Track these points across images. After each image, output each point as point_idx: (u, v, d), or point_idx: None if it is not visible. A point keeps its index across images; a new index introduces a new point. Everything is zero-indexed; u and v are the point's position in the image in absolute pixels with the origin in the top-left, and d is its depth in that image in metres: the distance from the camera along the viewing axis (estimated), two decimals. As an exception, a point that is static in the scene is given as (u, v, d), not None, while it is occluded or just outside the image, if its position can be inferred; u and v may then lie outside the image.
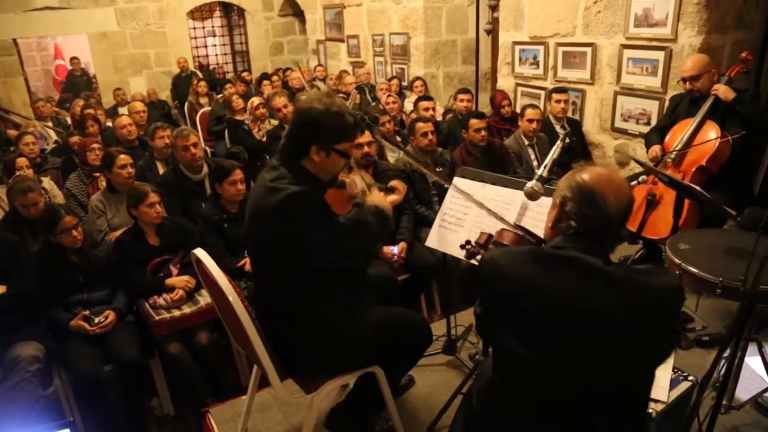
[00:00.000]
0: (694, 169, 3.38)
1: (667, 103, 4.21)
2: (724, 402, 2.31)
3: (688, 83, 3.55)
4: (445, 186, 2.74)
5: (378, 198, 2.21)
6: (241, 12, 11.22)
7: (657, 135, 3.85)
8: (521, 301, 1.47)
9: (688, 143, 3.42)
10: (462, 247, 2.12)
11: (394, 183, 2.46)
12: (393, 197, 2.41)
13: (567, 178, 1.51)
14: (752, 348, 2.35)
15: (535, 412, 1.48)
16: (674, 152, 3.42)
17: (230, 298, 1.94)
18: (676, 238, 2.48)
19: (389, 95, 6.06)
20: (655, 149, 3.68)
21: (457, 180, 2.65)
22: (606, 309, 1.39)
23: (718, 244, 2.40)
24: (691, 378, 2.21)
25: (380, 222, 2.13)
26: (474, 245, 2.07)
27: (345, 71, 7.98)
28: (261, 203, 1.95)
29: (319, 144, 1.95)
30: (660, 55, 4.37)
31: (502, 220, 2.30)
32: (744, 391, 2.50)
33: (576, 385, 1.43)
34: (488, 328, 1.64)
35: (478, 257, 2.08)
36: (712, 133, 3.36)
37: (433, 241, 2.68)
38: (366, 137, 3.56)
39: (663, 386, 2.14)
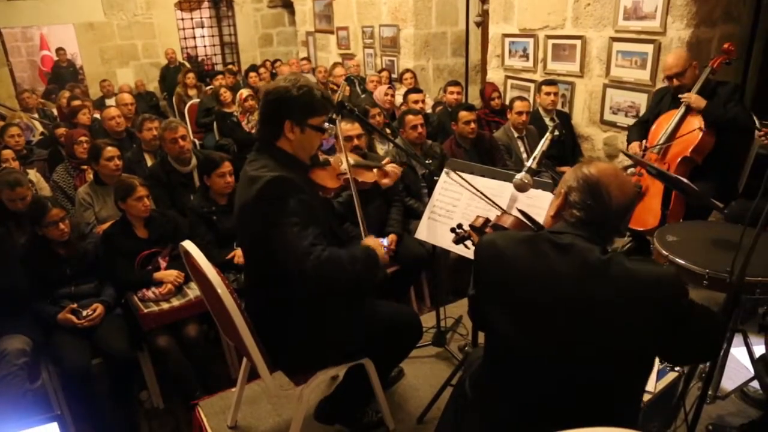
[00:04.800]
0: (678, 160, 3.41)
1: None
2: (709, 392, 2.35)
3: (674, 80, 3.54)
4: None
5: (373, 242, 2.05)
6: (229, 3, 11.12)
7: (639, 129, 3.88)
8: (515, 285, 1.49)
9: (672, 135, 3.46)
10: (452, 230, 2.10)
11: (389, 167, 2.44)
12: (385, 181, 2.40)
13: (574, 169, 1.54)
14: (738, 339, 2.38)
15: (528, 395, 1.49)
16: (657, 146, 3.46)
17: (219, 291, 1.93)
18: (664, 230, 2.49)
19: (389, 87, 5.99)
20: (634, 146, 3.71)
21: (446, 172, 2.65)
22: (598, 297, 1.39)
23: (706, 236, 2.41)
24: (677, 369, 2.23)
25: (365, 266, 1.95)
26: (464, 230, 2.05)
27: (339, 63, 7.94)
28: (245, 194, 1.93)
29: (292, 119, 1.92)
30: (649, 48, 4.39)
31: (498, 206, 2.29)
32: (729, 381, 2.54)
33: (567, 370, 1.43)
34: (481, 310, 1.65)
35: (468, 242, 2.08)
36: (695, 123, 3.40)
37: (422, 233, 2.68)
38: (356, 129, 3.54)
39: (650, 377, 2.16)
